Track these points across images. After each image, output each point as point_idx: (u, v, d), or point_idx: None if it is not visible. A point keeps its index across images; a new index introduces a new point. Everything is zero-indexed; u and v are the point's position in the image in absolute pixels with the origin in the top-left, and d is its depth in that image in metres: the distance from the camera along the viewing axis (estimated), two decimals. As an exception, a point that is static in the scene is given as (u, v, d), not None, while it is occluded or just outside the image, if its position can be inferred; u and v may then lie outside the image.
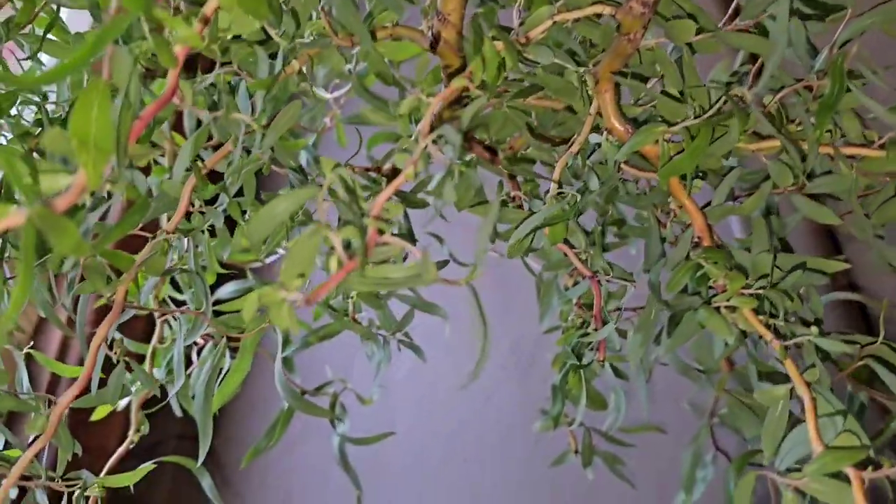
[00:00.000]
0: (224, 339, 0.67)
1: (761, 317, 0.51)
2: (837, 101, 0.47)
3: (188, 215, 0.60)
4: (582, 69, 0.55)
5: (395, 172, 0.70)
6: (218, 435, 1.33)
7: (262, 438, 0.82)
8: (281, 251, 0.87)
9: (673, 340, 0.60)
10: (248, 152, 0.59)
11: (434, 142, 0.43)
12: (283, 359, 0.81)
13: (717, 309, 0.51)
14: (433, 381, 1.25)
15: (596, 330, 0.63)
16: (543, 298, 0.87)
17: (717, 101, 0.49)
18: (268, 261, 0.84)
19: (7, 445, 0.57)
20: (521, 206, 0.77)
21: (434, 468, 1.20)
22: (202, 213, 0.58)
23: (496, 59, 0.47)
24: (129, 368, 0.77)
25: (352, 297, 0.79)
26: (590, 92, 0.56)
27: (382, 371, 0.81)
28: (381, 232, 0.39)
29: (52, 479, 0.56)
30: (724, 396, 0.76)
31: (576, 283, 0.76)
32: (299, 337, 0.81)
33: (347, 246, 0.38)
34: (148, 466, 0.63)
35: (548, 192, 0.63)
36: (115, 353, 0.57)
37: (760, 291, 0.51)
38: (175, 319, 0.74)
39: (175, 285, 0.76)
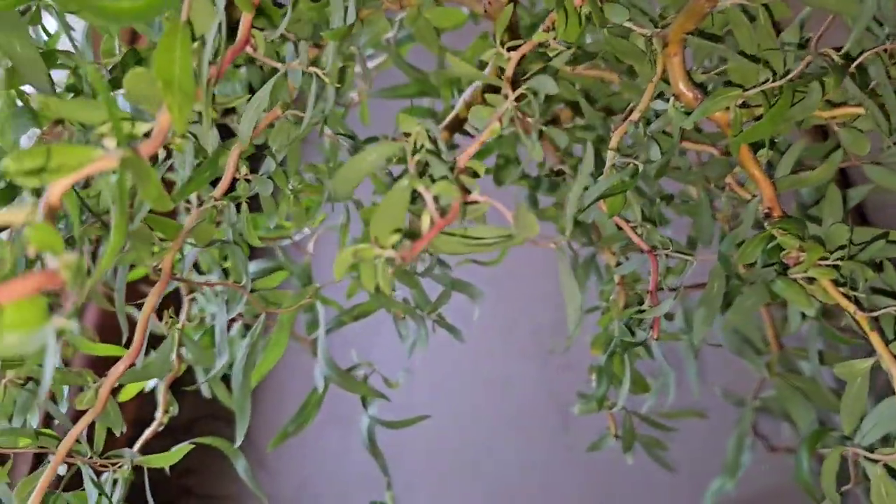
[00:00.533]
0: (263, 316, 0.64)
1: (841, 289, 0.49)
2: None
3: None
4: (649, 31, 0.53)
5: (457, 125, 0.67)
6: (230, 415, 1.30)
7: (290, 422, 0.80)
8: (306, 230, 0.85)
9: (734, 313, 0.58)
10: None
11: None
12: (313, 342, 0.79)
13: (794, 281, 0.49)
14: (452, 366, 1.23)
15: (652, 307, 0.61)
16: (579, 278, 0.85)
17: (803, 62, 0.46)
18: (296, 237, 0.82)
19: (47, 423, 0.54)
20: (564, 181, 0.75)
21: (452, 455, 1.18)
22: (248, 180, 0.55)
23: (575, 15, 0.45)
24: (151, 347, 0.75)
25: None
26: (655, 56, 0.54)
27: (417, 352, 0.79)
28: (466, 190, 0.37)
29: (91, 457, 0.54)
30: (774, 379, 0.75)
31: (618, 264, 0.74)
32: (332, 316, 0.79)
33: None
34: (186, 447, 0.60)
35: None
36: (166, 324, 0.55)
37: (839, 263, 0.49)
38: (203, 295, 0.71)
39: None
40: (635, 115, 0.58)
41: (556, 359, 1.17)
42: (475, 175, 0.37)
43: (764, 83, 0.49)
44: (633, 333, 0.65)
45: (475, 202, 0.37)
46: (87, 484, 0.49)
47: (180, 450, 0.59)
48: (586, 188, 0.54)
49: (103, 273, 0.29)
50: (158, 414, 0.72)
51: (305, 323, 0.82)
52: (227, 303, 0.61)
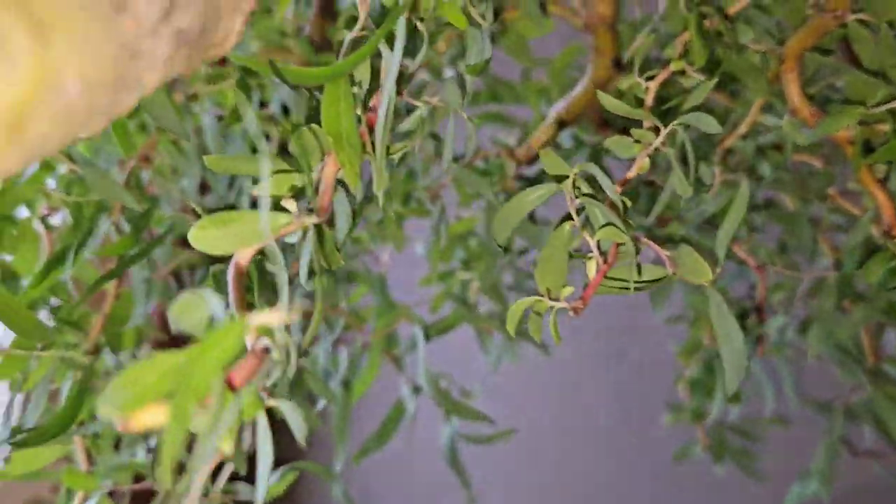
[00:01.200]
0: (358, 338, 0.64)
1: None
2: None
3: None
4: (765, 47, 0.51)
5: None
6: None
7: (373, 438, 0.80)
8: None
9: (843, 328, 0.57)
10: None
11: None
12: (395, 358, 0.79)
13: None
14: (519, 373, 1.22)
15: (761, 322, 0.60)
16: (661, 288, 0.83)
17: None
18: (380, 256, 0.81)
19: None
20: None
21: (522, 466, 1.17)
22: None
23: (699, 38, 0.44)
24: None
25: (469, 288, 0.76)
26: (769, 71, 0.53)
27: (500, 365, 0.79)
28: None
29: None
30: (870, 387, 0.73)
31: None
32: (416, 332, 0.78)
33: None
34: (291, 474, 0.60)
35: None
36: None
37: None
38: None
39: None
40: (742, 129, 0.57)
41: (627, 365, 1.16)
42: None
43: (891, 101, 0.47)
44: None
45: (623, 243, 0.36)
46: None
47: (285, 478, 0.59)
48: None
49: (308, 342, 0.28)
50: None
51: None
52: (329, 327, 0.61)
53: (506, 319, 0.76)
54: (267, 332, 0.23)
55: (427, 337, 0.78)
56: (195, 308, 0.19)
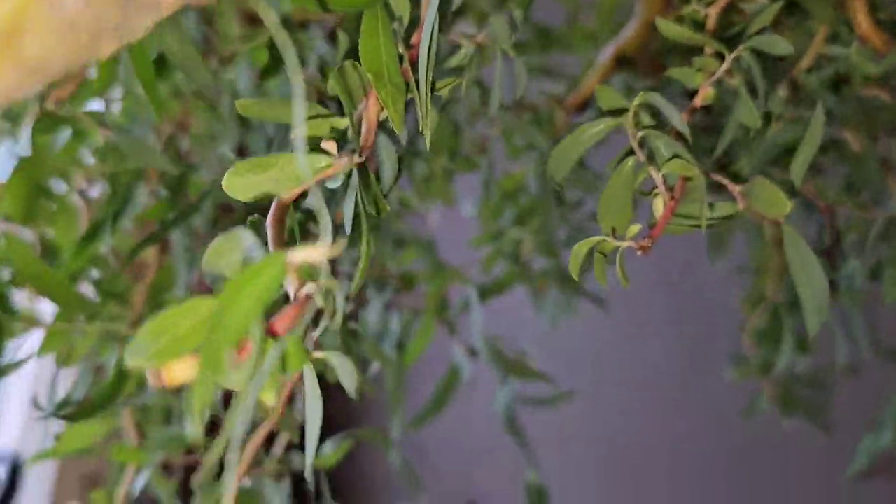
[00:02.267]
0: (411, 302, 0.62)
1: None
2: None
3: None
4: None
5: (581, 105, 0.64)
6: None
7: (429, 404, 0.78)
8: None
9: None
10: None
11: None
12: (448, 322, 0.77)
13: None
14: (576, 334, 1.19)
15: (832, 267, 0.56)
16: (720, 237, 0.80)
17: None
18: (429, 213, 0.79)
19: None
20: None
21: (584, 427, 1.15)
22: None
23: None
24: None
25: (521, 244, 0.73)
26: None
27: (558, 324, 0.76)
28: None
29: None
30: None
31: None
32: (470, 293, 0.76)
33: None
34: (348, 442, 0.59)
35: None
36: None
37: None
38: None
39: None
40: (806, 62, 0.53)
41: (690, 317, 1.12)
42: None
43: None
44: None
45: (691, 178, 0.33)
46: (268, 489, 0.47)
47: (342, 447, 0.58)
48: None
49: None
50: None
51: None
52: (379, 290, 0.59)
53: (561, 276, 0.73)
54: (309, 273, 0.21)
55: (482, 298, 0.76)
56: (230, 249, 0.17)
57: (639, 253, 0.29)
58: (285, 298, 0.21)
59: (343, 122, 0.29)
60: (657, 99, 0.31)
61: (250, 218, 0.24)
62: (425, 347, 0.64)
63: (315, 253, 0.16)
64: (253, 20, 0.56)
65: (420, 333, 0.63)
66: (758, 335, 0.70)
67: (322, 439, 0.57)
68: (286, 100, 0.30)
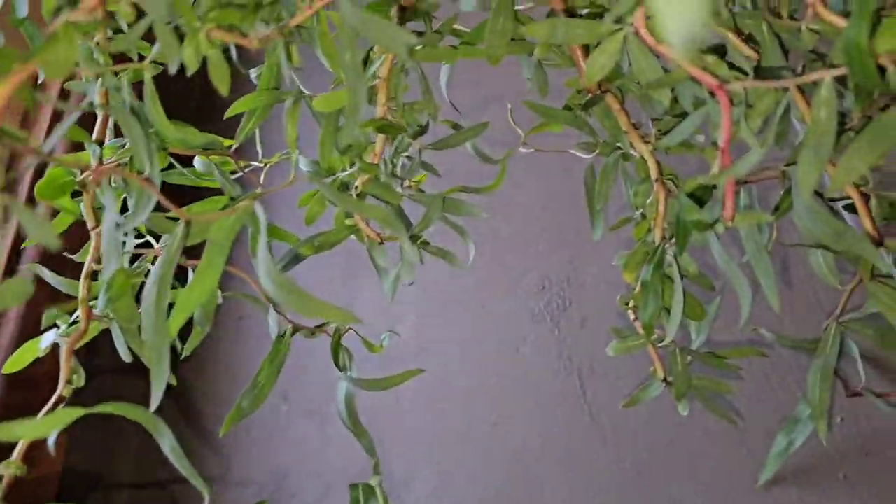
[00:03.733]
0: (183, 227, 0.46)
1: None
2: None
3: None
4: None
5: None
6: (208, 398, 1.10)
7: (244, 395, 0.62)
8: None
9: (861, 151, 0.40)
10: None
11: None
12: (291, 287, 0.61)
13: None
14: (447, 332, 1.04)
15: (723, 170, 0.43)
16: (599, 188, 0.67)
17: None
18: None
19: None
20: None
21: (459, 432, 0.99)
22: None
23: None
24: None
25: (357, 189, 0.58)
26: None
27: (407, 283, 0.61)
28: None
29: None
30: (869, 284, 0.57)
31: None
32: (289, 250, 0.61)
33: None
34: (72, 411, 0.41)
35: None
36: None
37: None
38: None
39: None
40: None
41: (573, 315, 0.99)
42: None
43: None
44: (685, 227, 0.47)
45: None
46: None
47: (60, 415, 0.41)
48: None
49: None
50: (60, 386, 0.54)
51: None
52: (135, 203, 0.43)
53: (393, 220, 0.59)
54: None
55: (299, 256, 0.60)
56: None
57: None
58: None
59: None
60: None
61: None
62: (206, 296, 0.48)
63: None
64: None
65: (198, 277, 0.47)
66: (641, 291, 0.56)
67: None
68: None
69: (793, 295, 0.89)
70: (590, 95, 0.57)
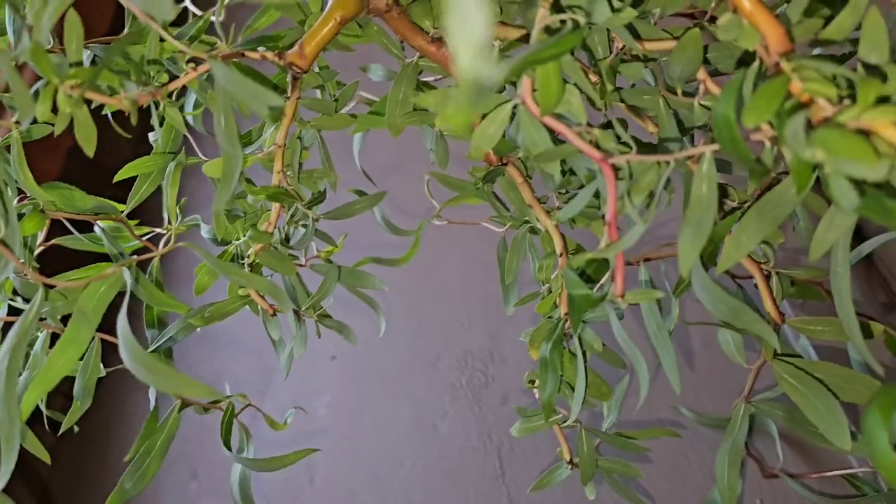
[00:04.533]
0: (41, 294, 0.43)
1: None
2: None
3: None
4: None
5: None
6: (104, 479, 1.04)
7: (127, 474, 0.58)
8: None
9: (735, 244, 0.39)
10: None
11: None
12: (158, 351, 0.58)
13: (843, 128, 0.31)
14: (365, 407, 1.01)
15: (611, 243, 0.41)
16: (509, 262, 0.65)
17: None
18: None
19: None
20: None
21: (342, 478, 0.95)
22: None
23: None
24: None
25: (250, 259, 0.56)
26: None
27: (296, 357, 0.58)
28: None
29: None
30: (774, 364, 0.56)
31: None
32: (179, 320, 0.58)
33: None
34: None
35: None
36: None
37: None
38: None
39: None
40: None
41: (494, 392, 0.96)
42: None
43: None
44: (582, 301, 0.46)
45: None
46: None
47: None
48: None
49: None
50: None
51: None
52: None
53: (299, 300, 0.56)
54: None
55: (190, 326, 0.57)
56: None
57: None
58: None
59: None
60: None
61: None
62: (68, 369, 0.45)
63: None
64: None
65: (61, 347, 0.44)
66: (540, 371, 0.54)
67: None
68: None
69: (719, 370, 0.88)
70: (490, 167, 0.56)
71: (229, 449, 0.59)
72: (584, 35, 0.38)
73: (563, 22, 0.40)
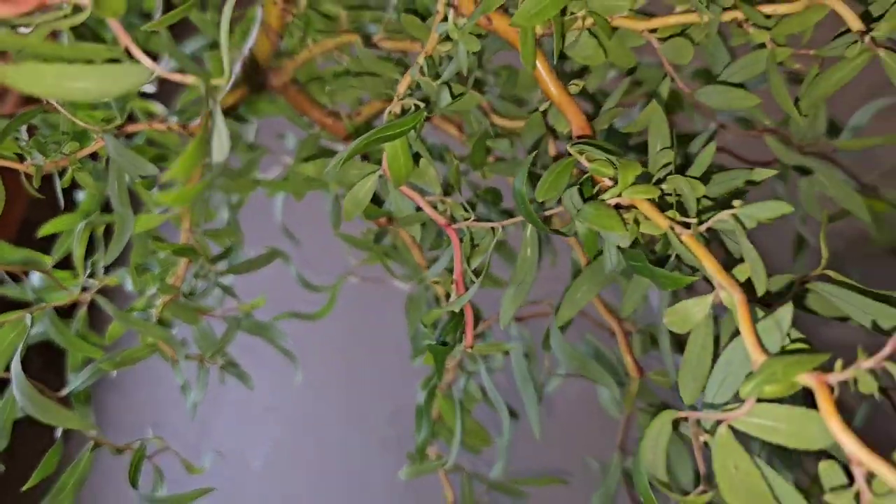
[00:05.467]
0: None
1: (668, 213, 0.36)
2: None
3: None
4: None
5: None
6: None
7: None
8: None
9: (566, 307, 0.45)
10: None
11: None
12: (75, 395, 0.63)
13: (604, 204, 0.37)
14: (297, 466, 1.05)
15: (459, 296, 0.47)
16: (412, 319, 0.71)
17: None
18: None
19: None
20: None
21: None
22: None
23: None
24: None
25: (157, 308, 0.61)
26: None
27: (198, 402, 0.63)
28: None
29: None
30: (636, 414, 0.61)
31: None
32: (91, 365, 0.63)
33: None
34: None
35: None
36: None
37: (663, 188, 0.37)
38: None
39: None
40: (428, 47, 0.46)
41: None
42: None
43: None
44: (441, 348, 0.51)
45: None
46: None
47: None
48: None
49: None
50: None
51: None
52: None
53: (203, 346, 0.61)
54: None
55: (100, 370, 0.62)
56: None
57: None
58: None
59: None
60: None
61: None
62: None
63: None
64: None
65: None
66: (419, 412, 0.59)
67: None
68: None
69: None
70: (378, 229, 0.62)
71: (136, 487, 0.64)
72: (422, 119, 0.44)
73: (416, 105, 0.47)
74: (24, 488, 0.59)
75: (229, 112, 0.56)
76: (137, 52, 0.26)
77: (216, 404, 1.12)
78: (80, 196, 0.67)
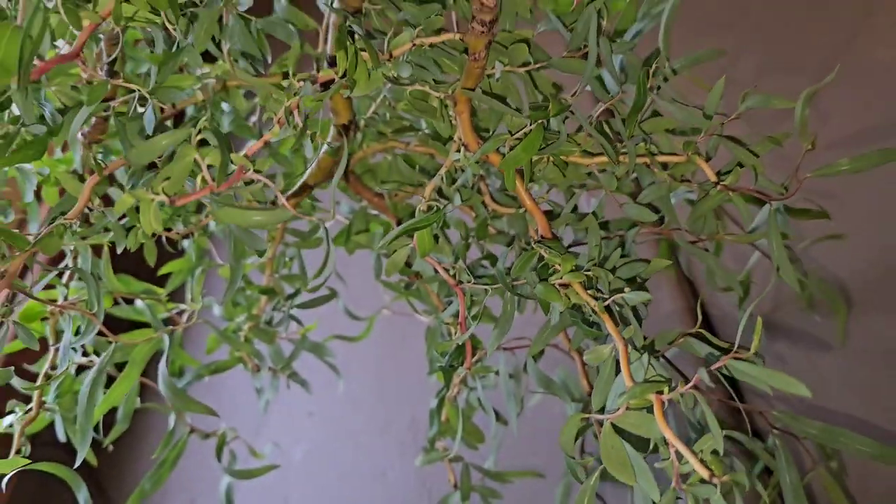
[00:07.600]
0: (113, 346, 0.71)
1: (590, 291, 0.58)
2: (641, 105, 0.57)
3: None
4: (442, 93, 0.64)
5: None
6: (112, 471, 1.30)
7: (146, 479, 0.84)
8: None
9: (536, 345, 0.66)
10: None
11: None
12: (177, 391, 0.85)
13: (552, 285, 0.59)
14: (330, 461, 1.27)
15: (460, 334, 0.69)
16: (430, 346, 0.93)
17: (545, 112, 0.58)
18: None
19: None
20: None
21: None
22: (102, 212, 0.63)
23: (363, 65, 0.56)
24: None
25: (244, 331, 0.83)
26: (451, 115, 0.66)
27: (268, 405, 0.85)
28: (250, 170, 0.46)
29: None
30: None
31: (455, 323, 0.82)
32: (193, 371, 0.85)
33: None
34: (16, 461, 0.64)
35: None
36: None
37: (589, 274, 0.59)
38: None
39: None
40: (443, 168, 0.68)
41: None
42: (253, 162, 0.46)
43: (522, 129, 0.60)
44: (449, 372, 0.73)
45: (252, 181, 0.46)
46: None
47: (9, 462, 0.63)
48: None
49: None
50: (11, 454, 0.76)
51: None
52: (79, 329, 0.67)
53: (275, 361, 0.83)
54: None
55: (200, 375, 0.85)
56: None
57: (165, 204, 0.41)
58: None
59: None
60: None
61: None
62: (121, 398, 0.72)
63: None
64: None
65: (119, 383, 0.71)
66: (431, 415, 0.81)
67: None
68: None
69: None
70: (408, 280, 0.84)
71: (220, 461, 0.86)
72: (441, 217, 0.66)
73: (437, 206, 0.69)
74: (153, 456, 0.81)
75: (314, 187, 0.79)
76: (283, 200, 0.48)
77: (271, 407, 1.35)
78: (186, 244, 0.90)
